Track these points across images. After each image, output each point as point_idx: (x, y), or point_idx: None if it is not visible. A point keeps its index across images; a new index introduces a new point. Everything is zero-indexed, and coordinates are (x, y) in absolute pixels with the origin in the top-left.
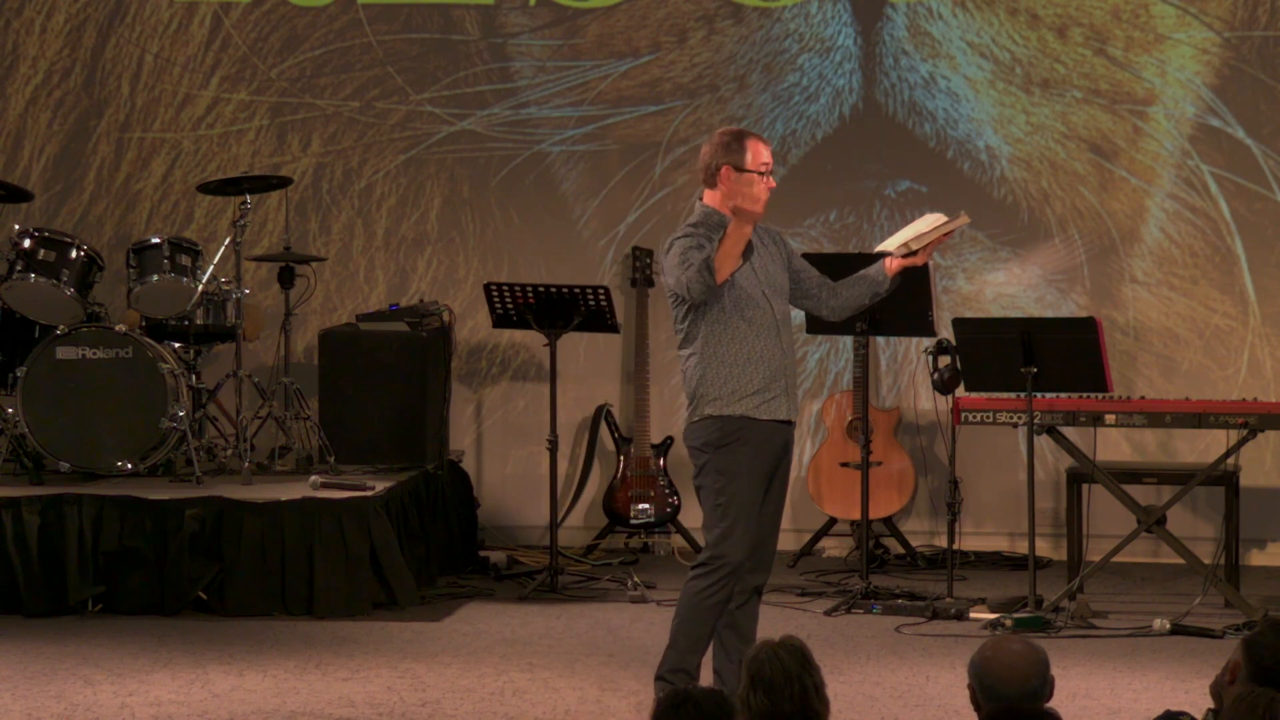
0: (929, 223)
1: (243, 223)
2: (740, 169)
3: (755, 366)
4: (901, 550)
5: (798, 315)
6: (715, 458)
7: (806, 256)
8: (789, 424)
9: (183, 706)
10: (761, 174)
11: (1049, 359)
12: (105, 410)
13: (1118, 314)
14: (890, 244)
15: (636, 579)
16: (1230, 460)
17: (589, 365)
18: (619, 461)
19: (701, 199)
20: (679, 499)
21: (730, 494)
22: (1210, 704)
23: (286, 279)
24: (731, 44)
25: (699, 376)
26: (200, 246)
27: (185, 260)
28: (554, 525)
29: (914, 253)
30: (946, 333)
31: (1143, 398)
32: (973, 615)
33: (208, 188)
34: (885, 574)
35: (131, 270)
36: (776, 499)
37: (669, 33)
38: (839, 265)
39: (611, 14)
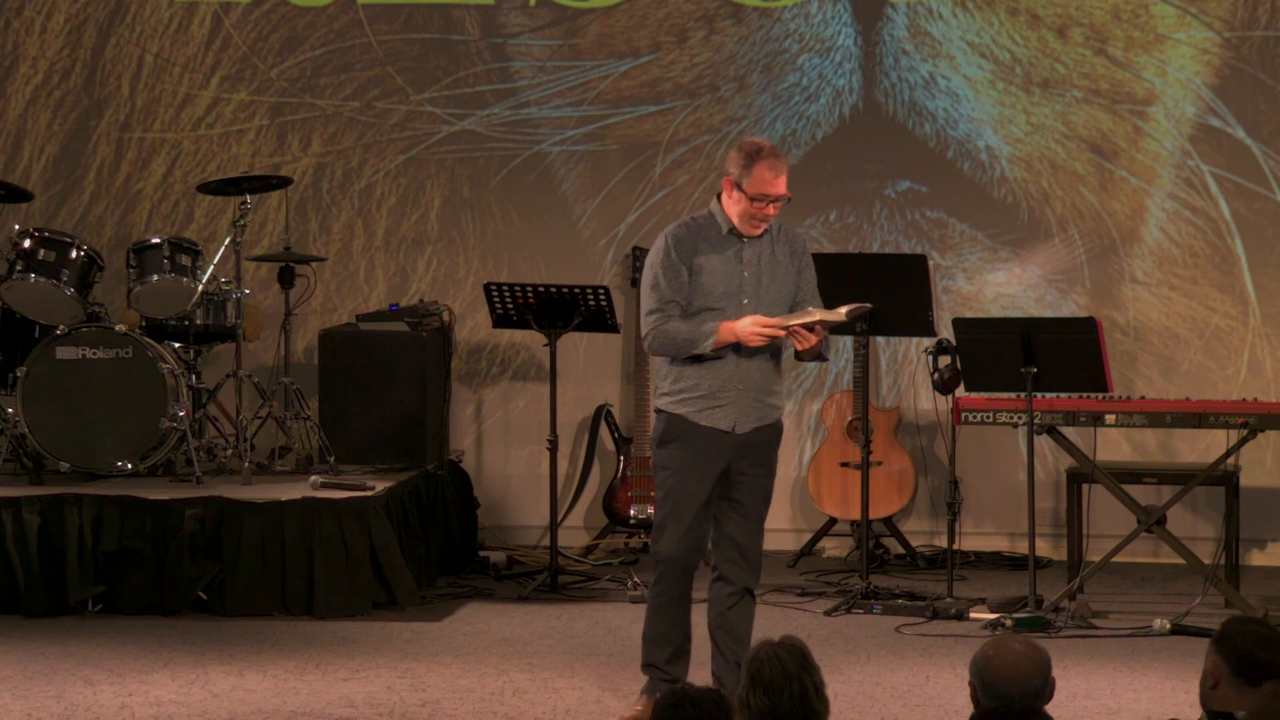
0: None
1: (243, 223)
2: (738, 187)
3: (705, 372)
4: (901, 550)
5: None
6: (659, 453)
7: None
8: (734, 434)
9: (183, 706)
10: (758, 201)
11: (1049, 359)
12: (105, 410)
13: (1118, 314)
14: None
15: (636, 579)
16: (1230, 460)
17: (589, 365)
18: (619, 461)
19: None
20: None
21: (669, 489)
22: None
23: (286, 279)
24: (731, 44)
25: (657, 368)
26: (200, 246)
27: (185, 260)
28: (554, 525)
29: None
30: (946, 333)
31: (1143, 398)
32: (973, 615)
33: (208, 188)
34: (885, 574)
35: (131, 270)
36: (754, 501)
37: (669, 33)
38: (839, 265)
39: (611, 14)
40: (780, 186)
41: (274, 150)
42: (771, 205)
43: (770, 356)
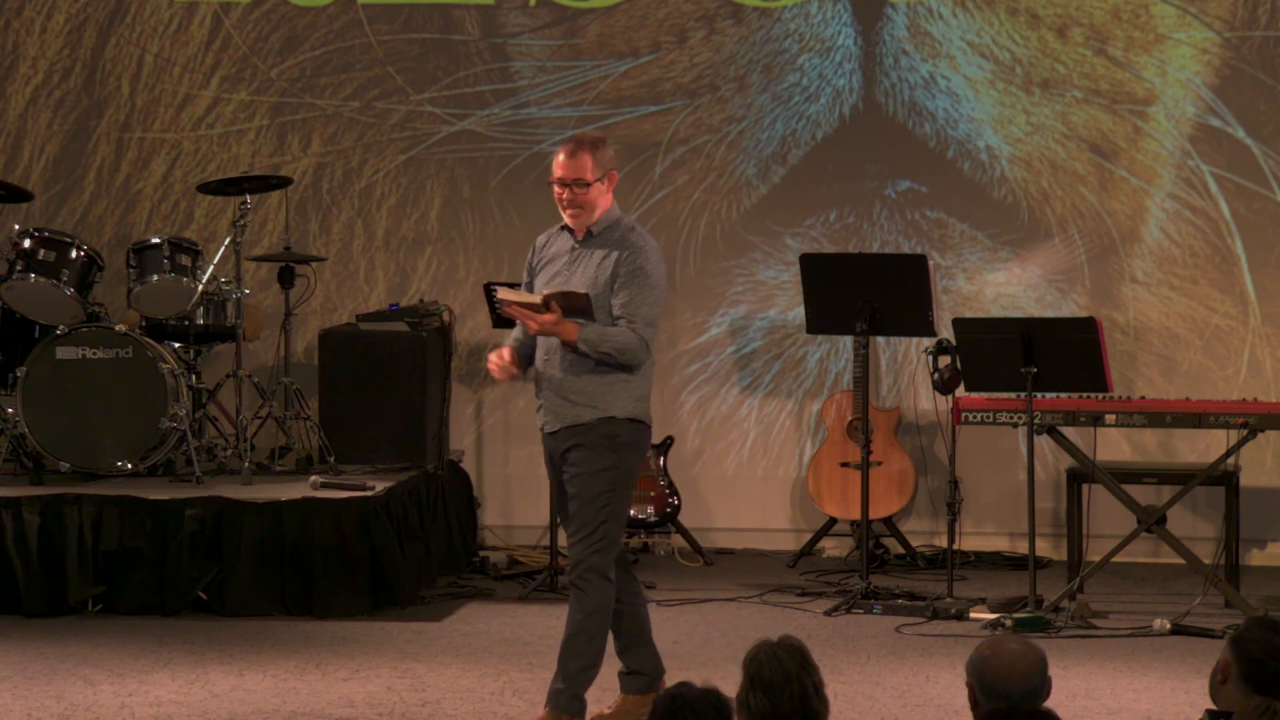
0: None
1: (243, 223)
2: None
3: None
4: (901, 550)
5: (791, 316)
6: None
7: (808, 257)
8: (553, 434)
9: (183, 706)
10: (554, 186)
11: (1049, 359)
12: (105, 410)
13: (1118, 314)
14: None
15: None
16: (1230, 460)
17: None
18: None
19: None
20: (679, 499)
21: None
22: (1209, 705)
23: (286, 279)
24: (731, 44)
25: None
26: (200, 246)
27: (185, 260)
28: (554, 525)
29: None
30: (946, 333)
31: (1143, 398)
32: (973, 615)
33: (208, 188)
34: (885, 574)
35: (131, 270)
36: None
37: (669, 33)
38: (839, 265)
39: (611, 14)
40: (560, 168)
41: (274, 150)
42: (560, 189)
43: (574, 359)
